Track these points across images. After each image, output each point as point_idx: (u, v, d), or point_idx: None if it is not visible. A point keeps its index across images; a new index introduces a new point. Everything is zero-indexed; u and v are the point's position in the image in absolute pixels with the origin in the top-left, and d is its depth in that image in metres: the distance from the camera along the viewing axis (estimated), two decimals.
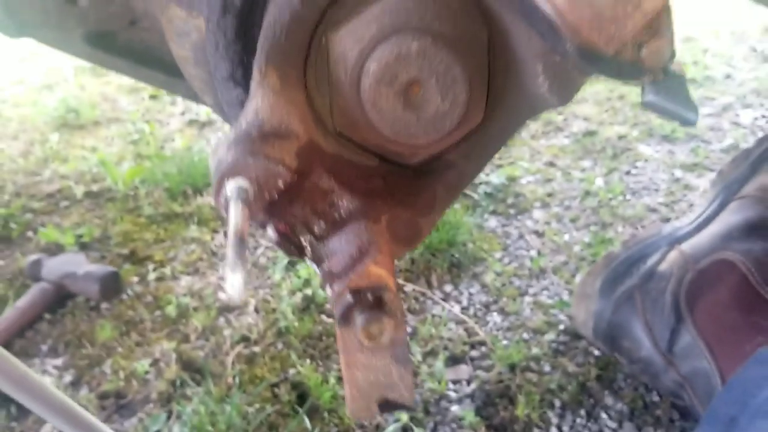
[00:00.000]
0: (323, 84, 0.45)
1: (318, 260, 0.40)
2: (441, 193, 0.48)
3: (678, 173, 1.71)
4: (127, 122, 2.05)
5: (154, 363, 1.20)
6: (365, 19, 0.43)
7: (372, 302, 0.37)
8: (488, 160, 0.51)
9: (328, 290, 0.39)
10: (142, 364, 1.18)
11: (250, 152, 0.39)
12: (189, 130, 2.02)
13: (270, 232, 0.41)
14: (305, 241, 0.40)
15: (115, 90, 2.30)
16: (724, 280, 1.03)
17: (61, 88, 2.30)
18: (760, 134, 1.88)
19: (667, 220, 1.53)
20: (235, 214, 0.36)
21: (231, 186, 0.39)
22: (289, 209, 0.40)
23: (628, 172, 1.73)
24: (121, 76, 2.27)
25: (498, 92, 0.46)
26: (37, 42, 0.88)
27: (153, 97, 2.23)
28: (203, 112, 2.10)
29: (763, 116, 1.99)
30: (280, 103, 0.41)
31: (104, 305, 1.34)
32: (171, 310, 1.30)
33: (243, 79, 0.52)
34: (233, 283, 0.32)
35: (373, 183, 0.46)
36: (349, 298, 0.37)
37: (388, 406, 0.39)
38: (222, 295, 0.31)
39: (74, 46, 0.84)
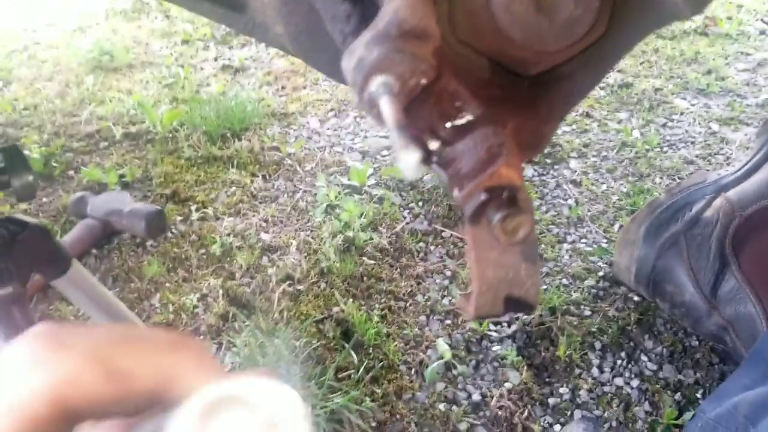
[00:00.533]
0: None
1: (445, 164, 0.41)
2: (558, 104, 0.49)
3: (714, 127, 1.71)
4: (161, 66, 2.05)
5: (202, 298, 1.22)
6: None
7: (507, 200, 0.38)
8: (605, 73, 0.52)
9: (456, 193, 0.40)
10: (191, 299, 1.21)
11: (394, 49, 0.39)
12: (223, 75, 2.02)
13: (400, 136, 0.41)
14: (433, 145, 0.41)
15: (147, 34, 2.29)
16: None
17: (94, 31, 2.29)
18: None
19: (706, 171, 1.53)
20: (388, 106, 0.37)
21: (377, 82, 0.39)
22: (420, 112, 0.41)
23: (664, 125, 1.72)
24: (153, 20, 2.25)
25: (622, 1, 0.46)
26: None
27: (185, 41, 2.22)
28: (236, 57, 2.10)
29: None
30: (420, 4, 0.41)
31: (150, 243, 1.36)
32: (216, 249, 1.32)
33: None
34: (409, 161, 0.33)
35: (493, 92, 0.46)
36: (483, 196, 0.38)
37: (512, 304, 0.40)
38: (402, 170, 0.31)
39: None
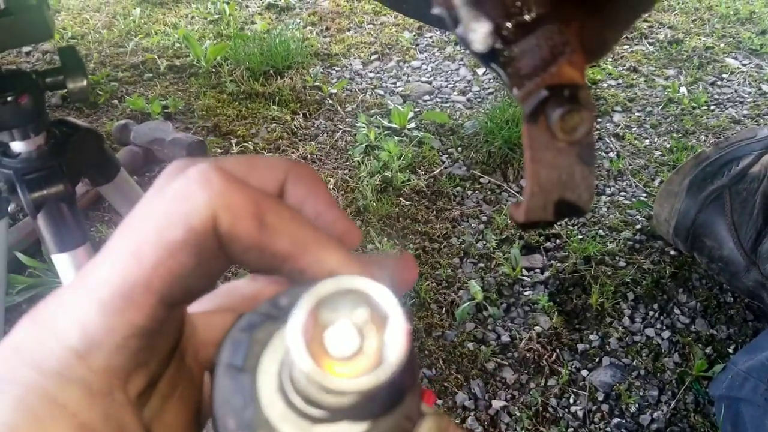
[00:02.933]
0: None
1: (506, 63, 0.39)
2: (624, 7, 0.47)
3: (765, 87, 1.64)
4: (207, 2, 2.03)
5: None
6: None
7: (567, 98, 0.36)
8: None
9: (515, 91, 0.38)
10: None
11: None
12: (268, 14, 2.00)
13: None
14: (496, 44, 0.39)
15: None
16: None
17: None
18: None
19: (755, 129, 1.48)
20: None
21: None
22: (482, 7, 0.39)
23: (713, 83, 1.66)
24: None
25: None
26: None
27: None
28: None
29: None
30: None
31: None
32: None
33: None
34: (478, 31, 0.32)
35: None
36: (544, 93, 0.36)
37: (564, 208, 0.39)
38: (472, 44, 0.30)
39: None
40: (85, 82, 0.72)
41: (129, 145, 1.39)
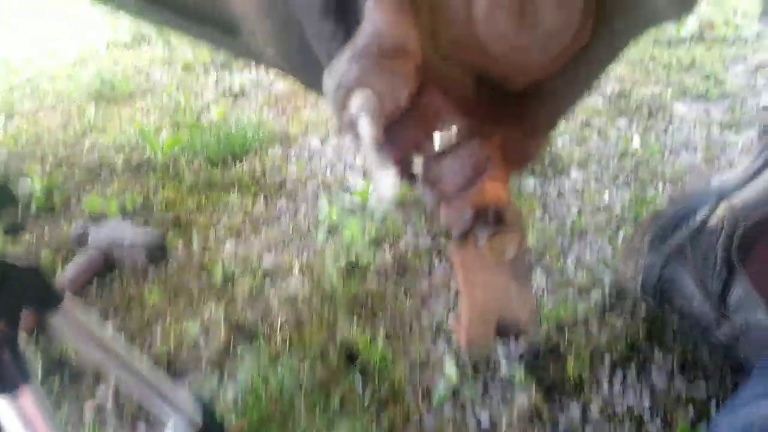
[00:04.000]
0: (432, 3, 0.42)
1: (431, 182, 0.37)
2: (543, 117, 0.46)
3: (715, 131, 1.66)
4: (162, 94, 2.03)
5: (204, 326, 1.19)
6: None
7: (494, 218, 0.34)
8: (591, 84, 0.48)
9: (442, 211, 0.36)
10: (192, 327, 1.17)
11: (375, 66, 0.36)
12: (223, 101, 2.00)
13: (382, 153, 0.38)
14: (416, 163, 0.38)
15: (148, 63, 2.27)
16: None
17: (95, 62, 2.27)
18: None
19: (705, 176, 1.49)
20: (366, 123, 0.34)
21: (358, 98, 0.36)
22: (402, 129, 0.38)
23: (664, 131, 1.68)
24: (153, 48, 2.23)
25: (606, 8, 0.42)
26: (95, 1, 0.85)
27: (186, 68, 2.20)
28: (236, 82, 2.07)
29: None
30: (399, 21, 0.38)
31: (151, 271, 1.32)
32: (217, 275, 1.29)
33: (336, 12, 0.50)
34: (385, 181, 0.30)
35: (476, 107, 0.43)
36: (468, 215, 0.34)
37: (505, 329, 0.37)
38: (374, 197, 0.30)
39: (130, 2, 0.81)
40: (16, 216, 0.68)
41: (87, 248, 1.35)
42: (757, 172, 1.09)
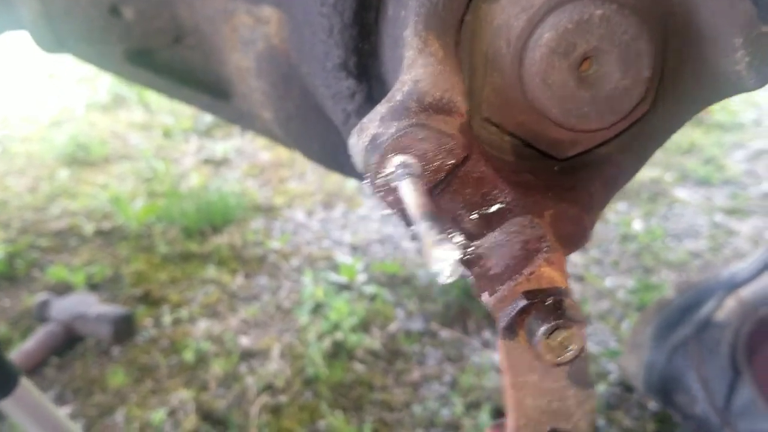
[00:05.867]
0: (474, 59, 0.39)
1: (471, 262, 0.33)
2: (598, 191, 0.42)
3: (718, 218, 1.65)
4: (139, 159, 1.99)
5: (171, 413, 1.11)
6: None
7: (552, 310, 0.30)
8: (651, 155, 0.45)
9: (485, 297, 0.32)
10: (158, 414, 1.10)
11: (416, 124, 0.32)
12: (204, 169, 1.97)
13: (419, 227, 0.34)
14: (454, 239, 0.33)
15: (126, 127, 2.25)
16: None
17: (71, 125, 2.25)
18: None
19: (712, 265, 1.47)
20: (411, 190, 0.30)
21: (396, 162, 0.32)
22: (441, 199, 0.34)
23: (665, 216, 1.67)
24: (132, 112, 2.21)
25: (672, 72, 0.40)
26: (75, 58, 0.83)
27: (166, 134, 2.18)
28: (219, 149, 2.05)
29: None
30: (444, 72, 0.35)
31: (116, 349, 1.26)
32: (189, 356, 1.22)
33: (356, 69, 0.47)
34: (442, 258, 0.26)
35: (523, 176, 0.40)
36: (521, 302, 0.30)
37: None
38: (435, 274, 0.25)
39: (115, 63, 0.79)
40: None
41: (49, 322, 1.28)
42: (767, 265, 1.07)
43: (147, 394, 1.15)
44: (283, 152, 2.03)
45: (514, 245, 0.33)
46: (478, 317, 1.31)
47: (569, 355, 0.30)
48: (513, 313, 0.30)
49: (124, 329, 1.27)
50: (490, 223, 0.34)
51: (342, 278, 1.43)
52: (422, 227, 0.27)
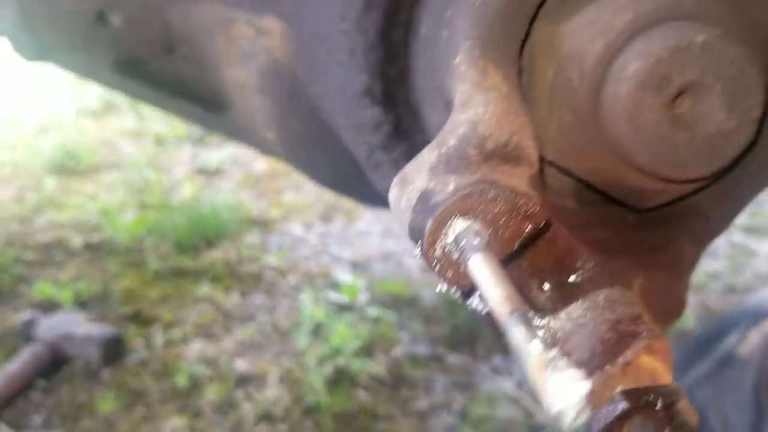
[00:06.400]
0: (535, 91, 0.34)
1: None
2: (687, 249, 0.37)
3: (737, 237, 1.61)
4: (129, 169, 1.94)
5: None
6: (613, 3, 0.32)
7: (662, 413, 0.25)
8: (744, 207, 0.40)
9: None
10: None
11: (479, 179, 0.27)
12: (197, 179, 1.91)
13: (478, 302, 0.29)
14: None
15: (117, 134, 2.19)
16: None
17: (59, 132, 2.19)
18: None
19: (732, 287, 1.42)
20: (485, 272, 0.24)
21: (459, 229, 0.27)
22: (509, 270, 0.28)
23: None
24: (123, 119, 2.14)
25: None
26: (59, 67, 0.77)
27: (158, 142, 2.12)
28: (213, 158, 1.99)
29: None
30: (509, 111, 0.29)
31: (105, 372, 1.20)
32: (181, 380, 1.16)
33: (382, 97, 0.42)
34: (563, 395, 0.20)
35: (595, 233, 0.34)
36: (623, 405, 0.24)
37: None
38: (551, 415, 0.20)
39: (101, 73, 0.73)
40: None
41: (34, 342, 1.23)
42: None
43: (138, 420, 1.10)
44: (279, 162, 1.98)
45: (601, 325, 0.27)
46: (488, 341, 1.26)
47: None
48: (611, 419, 0.25)
49: (114, 351, 1.22)
50: (567, 295, 0.29)
51: (343, 298, 1.37)
52: (516, 335, 0.22)
